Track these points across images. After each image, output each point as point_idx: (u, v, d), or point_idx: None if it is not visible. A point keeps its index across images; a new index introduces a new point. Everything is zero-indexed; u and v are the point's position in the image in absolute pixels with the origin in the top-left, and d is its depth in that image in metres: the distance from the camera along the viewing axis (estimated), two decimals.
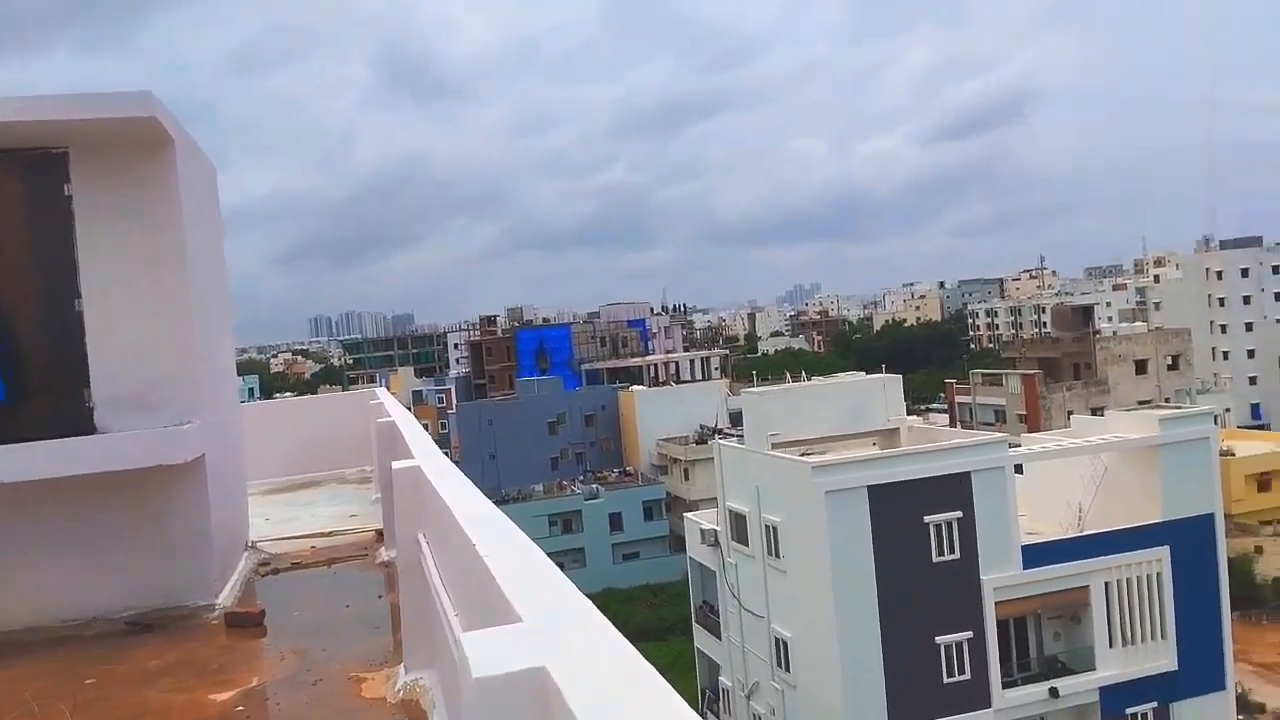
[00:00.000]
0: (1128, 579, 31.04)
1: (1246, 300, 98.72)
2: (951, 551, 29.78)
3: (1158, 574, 31.23)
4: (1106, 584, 30.91)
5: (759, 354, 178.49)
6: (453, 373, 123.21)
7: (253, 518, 10.23)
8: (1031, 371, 72.40)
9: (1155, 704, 30.98)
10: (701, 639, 40.56)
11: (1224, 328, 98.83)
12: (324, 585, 8.26)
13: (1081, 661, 31.34)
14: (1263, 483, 65.35)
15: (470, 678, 2.02)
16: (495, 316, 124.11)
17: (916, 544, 29.55)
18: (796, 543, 30.98)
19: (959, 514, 29.78)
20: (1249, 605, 52.33)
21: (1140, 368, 72.58)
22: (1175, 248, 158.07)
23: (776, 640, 32.58)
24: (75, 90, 6.42)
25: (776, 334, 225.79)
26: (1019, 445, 34.01)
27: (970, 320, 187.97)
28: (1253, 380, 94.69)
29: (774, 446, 33.37)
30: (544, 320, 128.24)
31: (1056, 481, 33.74)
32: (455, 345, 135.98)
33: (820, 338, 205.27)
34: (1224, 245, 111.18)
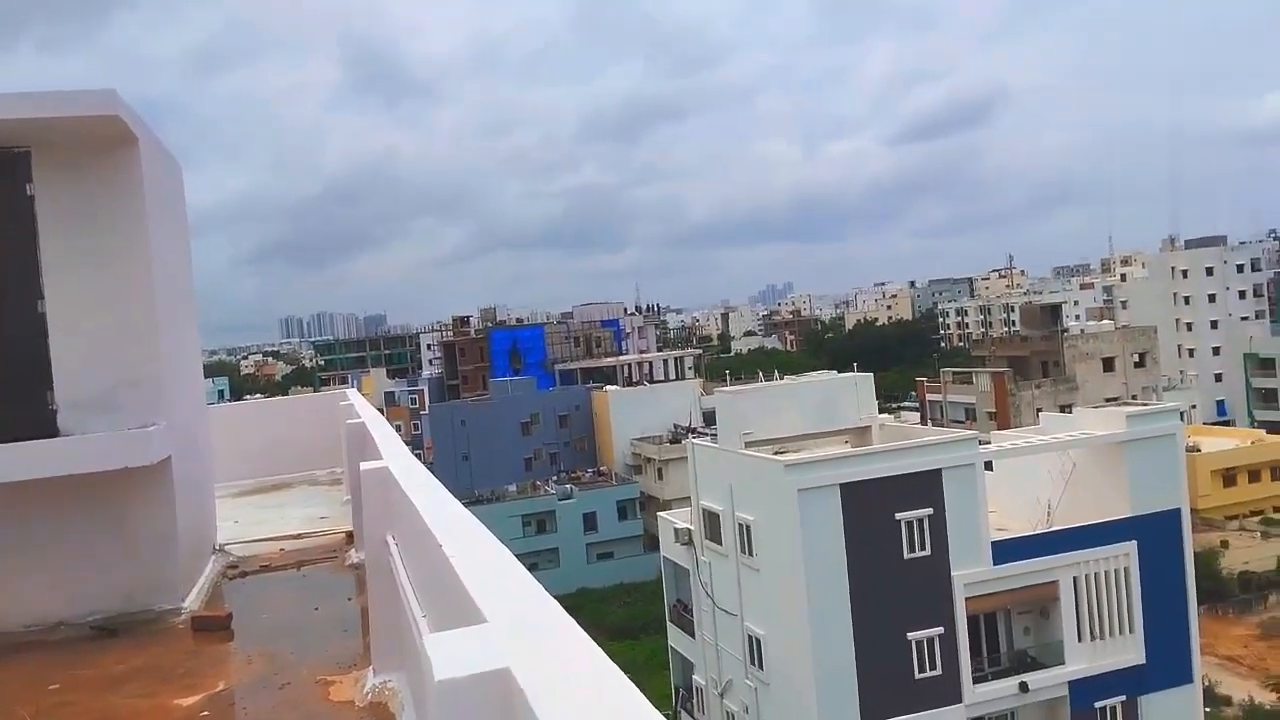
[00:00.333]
0: (1096, 574, 31.38)
1: (1211, 299, 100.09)
2: (923, 548, 29.98)
3: (1125, 569, 31.59)
4: (1075, 579, 31.24)
5: (732, 354, 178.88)
6: (426, 374, 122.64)
7: (221, 520, 10.13)
8: (1001, 370, 73.08)
9: (1124, 697, 31.35)
10: (675, 637, 40.60)
11: (1189, 326, 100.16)
12: (293, 588, 8.20)
13: (1051, 656, 31.66)
14: (1228, 478, 66.37)
15: (433, 680, 2.01)
16: (468, 317, 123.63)
17: (888, 541, 29.73)
18: (769, 541, 31.08)
19: (930, 511, 29.99)
20: (1215, 599, 53.15)
21: (1108, 365, 73.40)
22: (1141, 247, 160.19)
23: (750, 638, 32.68)
24: (37, 89, 6.31)
25: (750, 334, 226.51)
26: (989, 442, 34.30)
27: (941, 319, 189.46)
28: (1218, 377, 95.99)
29: (747, 445, 33.46)
30: (517, 320, 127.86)
31: (1026, 478, 34.07)
32: (428, 346, 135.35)
33: (793, 337, 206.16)
34: (1189, 244, 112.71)
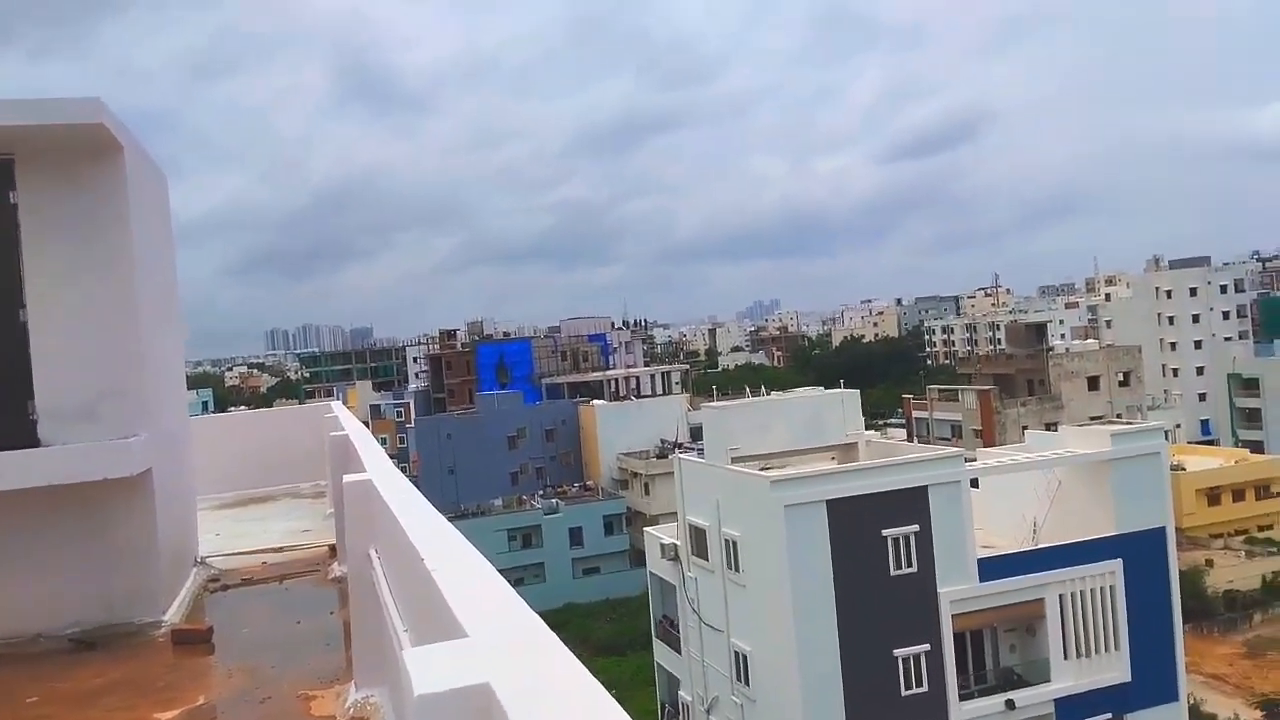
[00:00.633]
0: (1082, 592, 31.43)
1: (1195, 319, 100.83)
2: (909, 565, 29.99)
3: (1111, 587, 31.66)
4: (1061, 596, 31.28)
5: (719, 369, 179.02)
6: (412, 387, 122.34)
7: (203, 533, 10.05)
8: (987, 387, 73.34)
9: (1109, 715, 31.36)
10: (661, 653, 40.45)
11: (1174, 345, 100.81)
12: (275, 601, 8.13)
13: (1037, 673, 31.66)
14: (1212, 497, 66.66)
15: (412, 694, 1.98)
16: (455, 330, 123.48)
17: (874, 557, 29.73)
18: (756, 557, 31.03)
19: (916, 527, 30.01)
20: (1200, 617, 53.28)
21: (1093, 384, 73.76)
22: (1126, 267, 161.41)
23: (736, 654, 32.58)
24: (22, 95, 6.28)
25: (737, 349, 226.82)
26: (974, 460, 34.37)
27: (927, 336, 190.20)
28: (1202, 397, 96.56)
29: (734, 461, 33.44)
30: (504, 334, 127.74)
31: (1011, 495, 34.15)
32: (414, 359, 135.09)
33: (780, 353, 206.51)
34: (1173, 265, 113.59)
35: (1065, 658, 31.35)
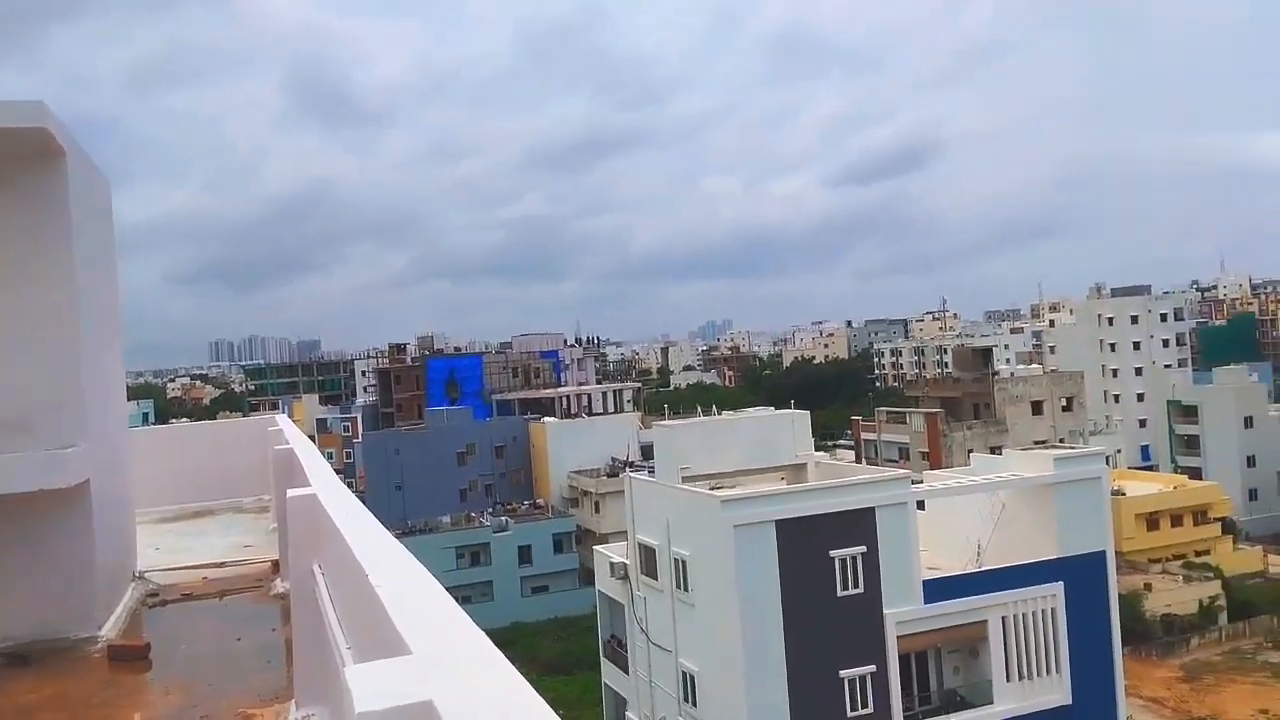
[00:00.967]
0: (1024, 614, 31.83)
1: (1136, 346, 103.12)
2: (856, 586, 30.17)
3: (1052, 609, 32.10)
4: (1004, 619, 31.65)
5: (671, 388, 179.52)
6: (360, 401, 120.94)
7: (142, 547, 9.83)
8: (934, 410, 74.29)
9: None
10: (609, 673, 40.24)
11: (1115, 372, 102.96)
12: (215, 617, 7.96)
13: (980, 695, 31.97)
14: (1151, 522, 68.05)
15: (353, 712, 1.95)
16: (405, 345, 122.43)
17: (822, 578, 29.87)
18: (705, 577, 31.04)
19: (863, 549, 30.23)
20: (1139, 641, 54.26)
21: (1036, 408, 75.02)
22: (1070, 294, 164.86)
23: (684, 674, 32.51)
24: None
25: (689, 368, 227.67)
26: (921, 482, 34.75)
27: (876, 359, 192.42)
28: (1142, 423, 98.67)
29: (684, 480, 33.48)
30: (455, 349, 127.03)
31: (956, 518, 34.54)
32: (363, 373, 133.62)
33: (731, 373, 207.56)
34: (1115, 293, 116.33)
35: (1007, 680, 31.69)
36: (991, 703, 31.53)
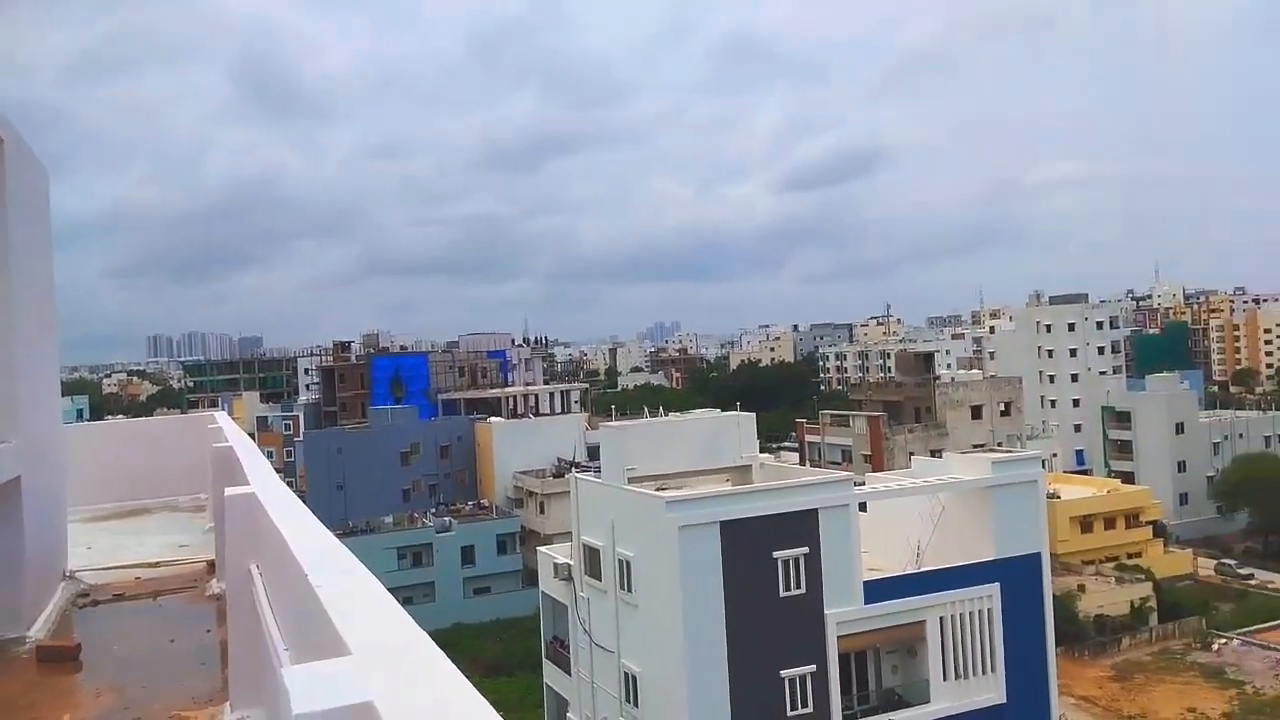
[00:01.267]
0: (961, 614, 32.36)
1: (1073, 353, 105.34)
2: (798, 586, 30.43)
3: (989, 610, 32.67)
4: (941, 619, 32.14)
5: (619, 389, 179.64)
6: (302, 399, 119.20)
7: (73, 546, 9.59)
8: (876, 414, 75.26)
9: None
10: (551, 675, 40.12)
11: (1052, 378, 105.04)
12: (148, 618, 7.80)
13: (917, 694, 32.43)
14: (1085, 524, 69.63)
15: (290, 714, 1.93)
16: (349, 342, 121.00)
17: (765, 579, 30.09)
18: (649, 577, 31.09)
19: (806, 550, 30.50)
20: (1072, 641, 55.47)
21: (976, 413, 76.36)
22: (1009, 301, 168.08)
23: (626, 675, 32.52)
24: None
25: (636, 370, 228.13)
26: (863, 484, 35.16)
27: (821, 363, 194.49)
28: (1077, 428, 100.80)
29: (631, 481, 33.50)
30: (401, 348, 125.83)
31: (898, 519, 34.99)
32: (306, 371, 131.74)
33: (679, 375, 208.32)
34: (1053, 300, 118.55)
35: (944, 679, 32.19)
36: (928, 701, 32.01)
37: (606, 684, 33.98)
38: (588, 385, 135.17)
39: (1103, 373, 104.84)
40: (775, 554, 30.15)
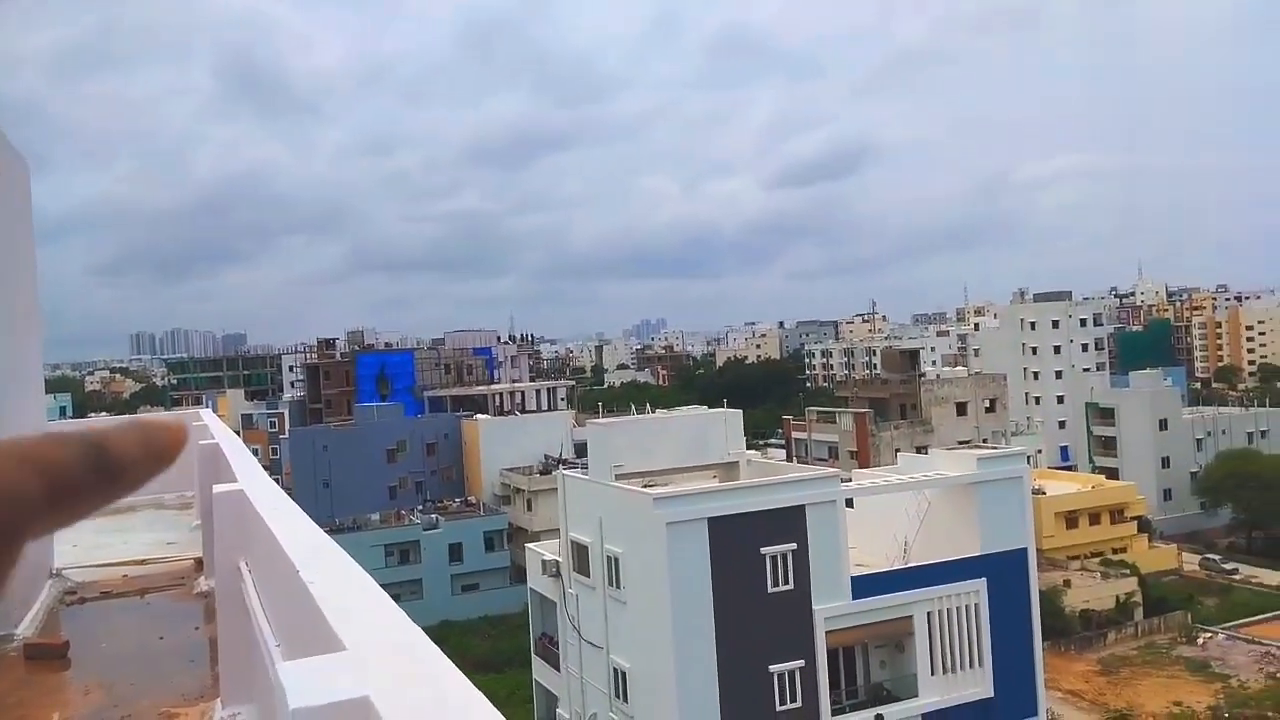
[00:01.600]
0: (948, 609, 32.53)
1: (1057, 350, 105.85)
2: (786, 582, 30.52)
3: (975, 605, 32.86)
4: (929, 614, 32.31)
5: (605, 386, 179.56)
6: (287, 396, 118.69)
7: (59, 544, 9.51)
8: (862, 410, 75.46)
9: None
10: (540, 671, 40.13)
11: (1036, 375, 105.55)
12: (136, 616, 7.74)
13: (905, 689, 32.58)
14: (1070, 520, 70.04)
15: (287, 710, 1.91)
16: (334, 340, 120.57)
17: (753, 575, 30.17)
18: (637, 574, 31.12)
19: (794, 546, 30.60)
20: (1058, 636, 55.76)
21: (961, 410, 76.64)
22: (993, 298, 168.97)
23: (615, 671, 32.56)
24: None
25: (623, 367, 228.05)
26: (850, 480, 35.29)
27: (807, 360, 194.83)
28: (1062, 424, 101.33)
29: (617, 478, 33.52)
30: (386, 345, 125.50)
31: (884, 515, 35.15)
32: (290, 368, 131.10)
33: (665, 372, 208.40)
34: (1037, 298, 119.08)
35: (932, 674, 32.35)
36: (916, 696, 32.17)
37: (596, 680, 34.01)
38: (574, 382, 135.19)
39: (1086, 369, 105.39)
40: (763, 550, 30.24)
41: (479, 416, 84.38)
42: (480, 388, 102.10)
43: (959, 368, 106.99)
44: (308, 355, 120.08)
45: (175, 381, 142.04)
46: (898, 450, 55.05)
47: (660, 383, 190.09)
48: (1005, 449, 43.00)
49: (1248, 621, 61.79)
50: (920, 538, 34.11)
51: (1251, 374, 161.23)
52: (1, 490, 0.62)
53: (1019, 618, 33.41)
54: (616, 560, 32.09)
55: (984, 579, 32.91)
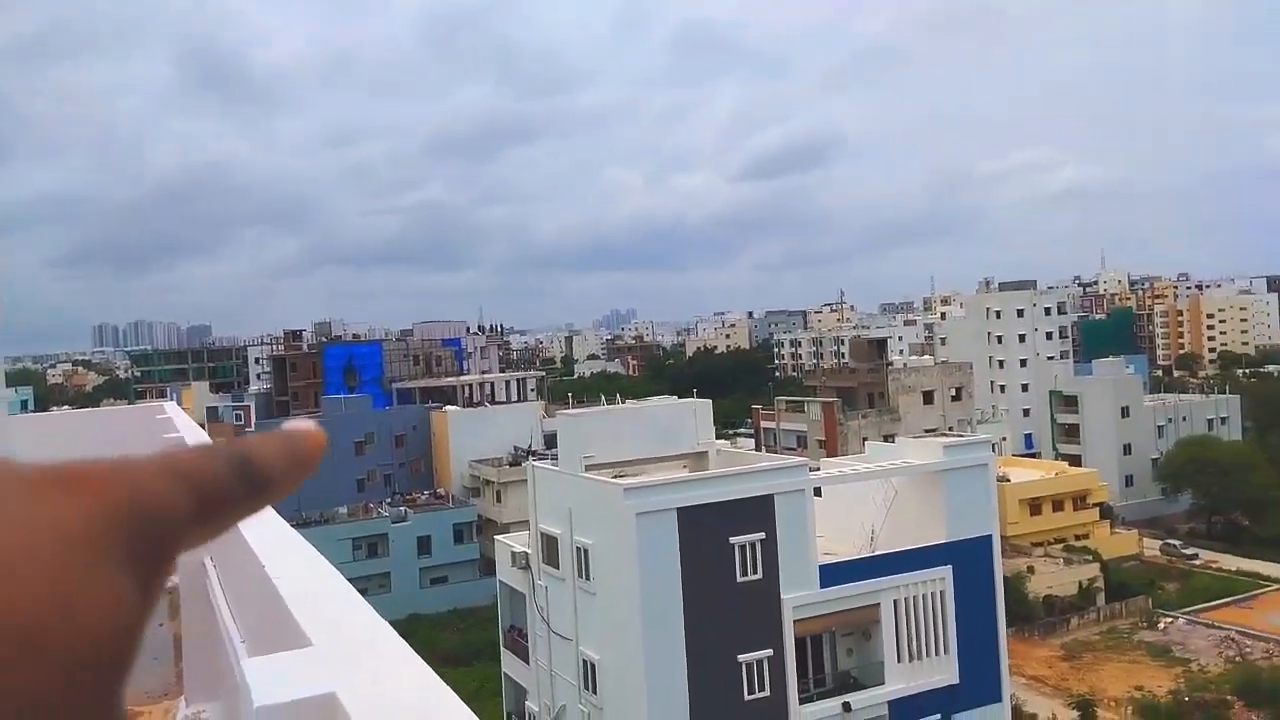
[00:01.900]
0: (914, 597, 32.84)
1: (1022, 339, 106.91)
2: (755, 571, 30.68)
3: (941, 592, 33.19)
4: (895, 602, 32.60)
5: (575, 377, 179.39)
6: (253, 389, 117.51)
7: None
8: (830, 400, 75.91)
9: (938, 716, 32.83)
10: (509, 664, 40.09)
11: (1001, 363, 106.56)
12: None
13: (872, 676, 32.89)
14: (1034, 507, 70.90)
15: (251, 707, 1.89)
16: (301, 331, 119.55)
17: (722, 565, 30.29)
18: (607, 565, 31.15)
19: (762, 535, 30.74)
20: (1022, 622, 56.48)
21: (927, 398, 77.27)
22: (960, 288, 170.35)
23: (584, 662, 32.59)
24: None
25: (593, 357, 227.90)
26: (818, 469, 35.52)
27: (776, 349, 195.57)
28: (1026, 412, 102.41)
29: (588, 468, 33.51)
30: (354, 336, 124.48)
31: (851, 504, 35.39)
32: (256, 360, 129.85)
33: (635, 362, 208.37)
34: (1002, 287, 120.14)
35: (898, 661, 32.67)
36: (883, 683, 32.48)
37: (565, 672, 34.04)
38: (544, 373, 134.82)
39: (1050, 358, 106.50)
40: (732, 539, 30.37)
41: (448, 408, 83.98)
42: (449, 379, 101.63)
43: (926, 357, 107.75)
44: (274, 347, 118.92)
45: (139, 374, 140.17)
46: (865, 439, 55.41)
47: (630, 373, 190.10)
48: (971, 437, 43.45)
49: (1207, 606, 62.89)
50: (887, 526, 34.39)
51: (1212, 361, 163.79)
52: (158, 508, 0.63)
53: (984, 604, 33.80)
54: (586, 551, 32.10)
55: (949, 566, 33.24)
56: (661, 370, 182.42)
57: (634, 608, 29.51)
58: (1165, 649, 57.37)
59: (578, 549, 32.50)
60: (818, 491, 33.67)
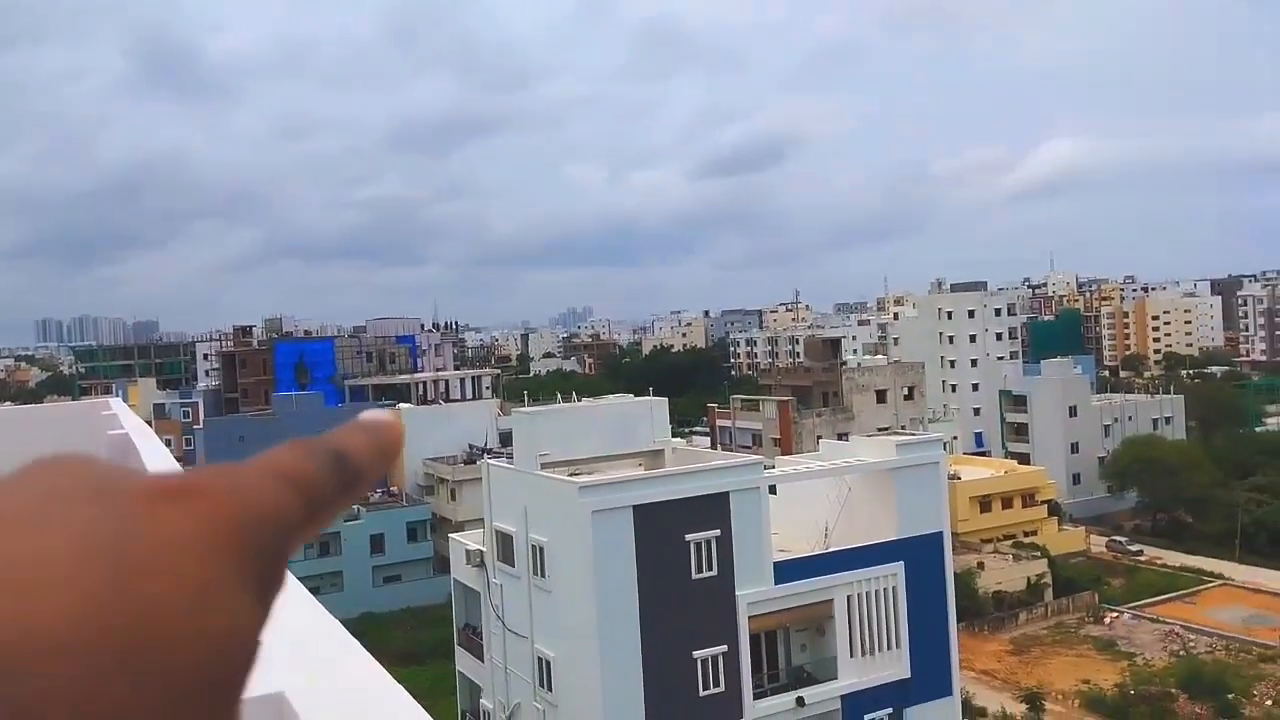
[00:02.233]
0: (867, 593, 33.16)
1: (972, 339, 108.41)
2: (710, 569, 30.78)
3: (893, 588, 33.55)
4: (848, 598, 32.90)
5: (531, 375, 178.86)
6: (201, 386, 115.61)
7: None
8: (786, 398, 76.38)
9: (890, 710, 33.21)
10: (463, 661, 39.88)
11: (953, 363, 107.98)
12: None
13: (825, 671, 33.17)
14: (984, 504, 71.96)
15: None
16: (251, 327, 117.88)
17: (677, 562, 30.36)
18: (562, 562, 31.09)
19: (718, 532, 30.86)
20: (972, 617, 57.27)
21: (880, 397, 78.05)
22: (913, 288, 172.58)
23: (539, 660, 32.50)
24: None
25: (549, 355, 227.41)
26: (773, 467, 35.73)
27: (732, 348, 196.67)
28: (976, 411, 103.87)
29: (543, 466, 33.41)
30: (305, 333, 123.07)
31: (806, 501, 35.65)
32: (205, 356, 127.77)
33: (591, 360, 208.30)
34: (954, 288, 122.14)
35: (851, 656, 32.97)
36: (836, 678, 32.77)
37: (520, 669, 33.92)
38: (499, 371, 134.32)
39: (1000, 358, 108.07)
40: (687, 537, 30.45)
41: (402, 405, 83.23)
42: (403, 376, 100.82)
43: (879, 356, 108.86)
44: (223, 343, 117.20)
45: (84, 370, 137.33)
46: (819, 437, 55.86)
47: (587, 371, 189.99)
48: (923, 435, 43.94)
49: (1152, 601, 64.24)
50: (841, 523, 34.68)
51: (1157, 362, 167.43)
52: (271, 516, 0.62)
53: (935, 600, 34.22)
54: (541, 549, 32.01)
55: (901, 562, 33.61)
56: (618, 369, 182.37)
57: (589, 605, 29.48)
58: (1111, 643, 58.48)
59: (533, 547, 32.40)
60: (773, 489, 33.86)
